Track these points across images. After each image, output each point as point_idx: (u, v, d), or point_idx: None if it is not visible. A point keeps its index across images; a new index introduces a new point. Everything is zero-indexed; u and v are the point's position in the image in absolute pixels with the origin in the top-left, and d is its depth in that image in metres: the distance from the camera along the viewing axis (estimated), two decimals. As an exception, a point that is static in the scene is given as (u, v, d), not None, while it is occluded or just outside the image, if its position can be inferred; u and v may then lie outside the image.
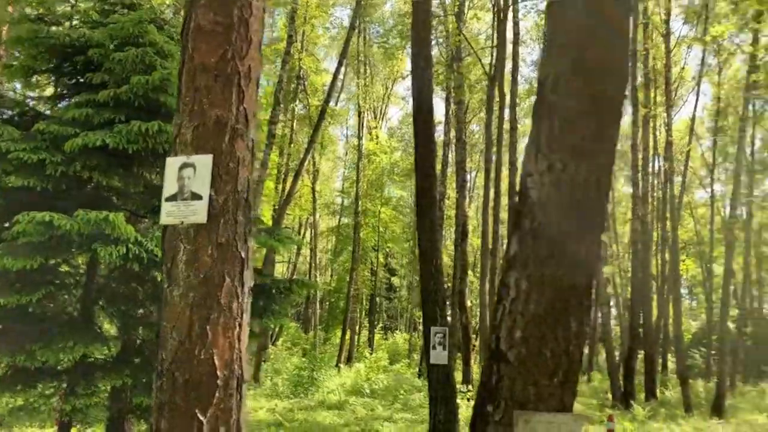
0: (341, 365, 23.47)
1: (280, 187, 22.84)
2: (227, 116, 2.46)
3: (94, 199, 6.12)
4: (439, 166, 24.87)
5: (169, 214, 2.42)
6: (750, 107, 22.94)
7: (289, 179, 19.25)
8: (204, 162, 2.40)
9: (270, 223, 19.22)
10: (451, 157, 25.51)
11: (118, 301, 6.48)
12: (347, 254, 30.25)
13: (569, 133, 2.38)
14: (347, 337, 27.61)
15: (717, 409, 16.57)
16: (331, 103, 29.79)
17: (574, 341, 2.27)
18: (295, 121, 24.02)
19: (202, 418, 2.20)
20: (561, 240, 2.30)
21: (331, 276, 36.64)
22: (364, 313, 36.46)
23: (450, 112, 23.15)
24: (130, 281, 6.55)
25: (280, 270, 39.04)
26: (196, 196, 2.39)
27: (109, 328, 7.36)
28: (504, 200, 21.12)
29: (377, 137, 30.77)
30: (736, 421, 15.48)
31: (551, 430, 2.13)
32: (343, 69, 29.97)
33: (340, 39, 26.22)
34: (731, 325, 25.63)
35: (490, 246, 18.94)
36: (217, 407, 2.24)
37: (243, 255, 2.42)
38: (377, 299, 35.91)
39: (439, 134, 30.55)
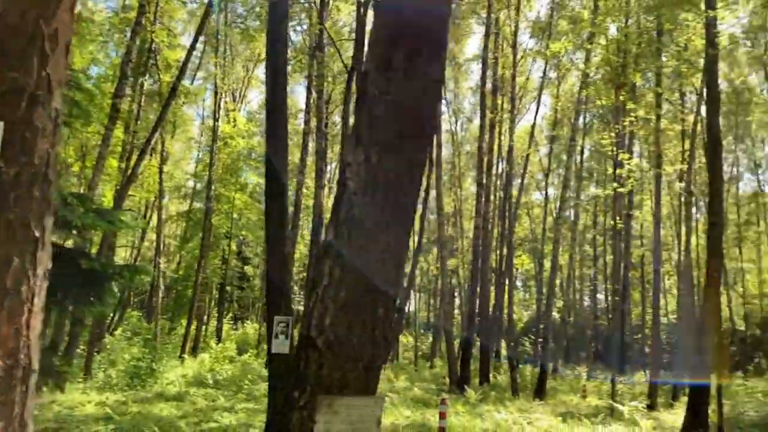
0: (185, 356, 22.56)
1: (123, 165, 21.29)
2: (25, 81, 2.21)
3: None
4: (298, 155, 24.73)
5: (-53, 185, 2.14)
6: (581, 120, 25.43)
7: (135, 158, 18.00)
8: (-8, 129, 2.15)
9: (111, 204, 17.88)
10: (312, 146, 25.47)
11: None
12: (197, 241, 29.02)
13: (386, 127, 2.46)
14: (193, 327, 26.57)
15: (539, 392, 18.26)
16: (187, 82, 28.40)
17: (380, 327, 2.37)
18: (144, 96, 22.50)
19: (-25, 413, 1.98)
20: (373, 230, 2.39)
21: (179, 263, 34.94)
22: (213, 302, 35.31)
23: (311, 101, 23.04)
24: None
25: (123, 255, 36.50)
26: (-19, 167, 2.13)
27: None
28: (359, 192, 21.49)
29: (235, 120, 29.83)
30: (554, 401, 17.19)
31: (352, 413, 2.20)
32: (201, 47, 28.69)
33: (200, 15, 24.95)
34: (556, 315, 28.39)
35: (343, 237, 19.19)
36: (-5, 400, 2.02)
37: (37, 234, 2.21)
38: (228, 288, 34.90)
39: (300, 123, 30.37)
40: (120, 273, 6.60)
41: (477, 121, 31.03)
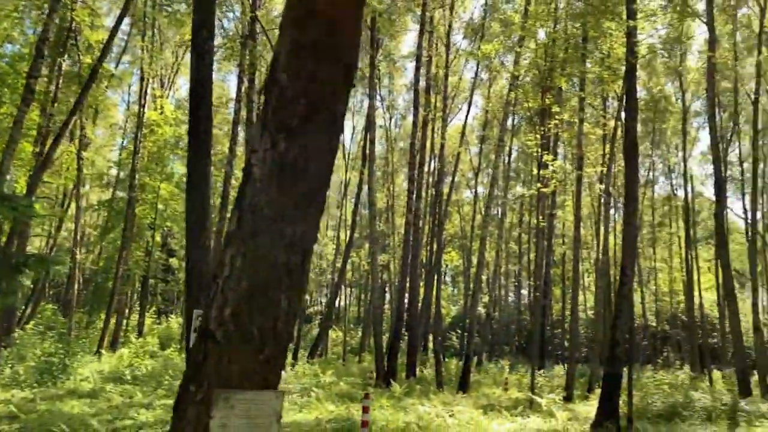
0: (103, 351, 21.64)
1: (38, 150, 20.11)
2: None
3: None
4: (228, 145, 24.17)
5: None
6: (509, 121, 26.13)
7: (50, 143, 17.02)
8: None
9: (24, 191, 16.88)
10: (242, 136, 24.97)
11: None
12: (119, 231, 27.84)
13: (295, 113, 2.39)
14: (113, 320, 25.52)
15: (463, 385, 18.63)
16: (112, 65, 27.13)
17: (282, 319, 2.31)
18: (62, 78, 21.28)
19: None
20: (279, 219, 2.32)
21: (100, 254, 33.45)
22: (136, 295, 34.05)
23: (242, 91, 22.54)
24: None
25: (38, 245, 34.63)
26: None
27: None
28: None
29: (162, 107, 28.76)
30: (477, 394, 17.59)
31: (252, 408, 2.14)
32: (127, 29, 27.50)
33: (126, -5, 23.86)
34: (482, 310, 29.11)
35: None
36: None
37: None
38: (152, 281, 33.72)
39: (230, 112, 29.58)
40: (25, 263, 6.22)
41: (411, 118, 31.38)
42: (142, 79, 27.04)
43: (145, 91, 26.97)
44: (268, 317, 2.27)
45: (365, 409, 9.80)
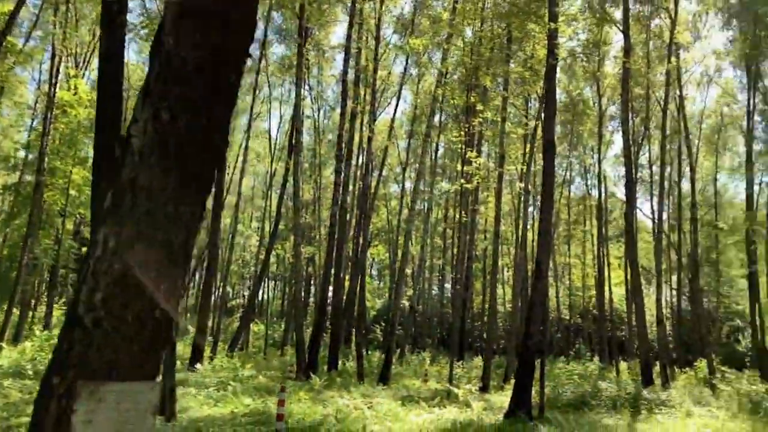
0: (4, 344, 20.30)
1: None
2: None
3: None
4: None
5: None
6: (436, 117, 26.43)
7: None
8: None
9: None
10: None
11: None
12: (26, 218, 26.13)
13: (182, 83, 2.22)
14: (16, 312, 23.96)
15: (384, 377, 18.71)
16: (21, 41, 25.31)
17: (162, 303, 2.14)
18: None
19: None
20: (158, 197, 2.14)
21: (4, 242, 31.30)
22: (44, 285, 32.15)
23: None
24: None
25: (-69, 231, 31.98)
26: None
27: None
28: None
29: (76, 87, 27.15)
30: (397, 386, 17.74)
31: (124, 401, 1.97)
32: (38, 3, 25.74)
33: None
34: (406, 303, 29.40)
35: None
36: None
37: None
38: (62, 271, 31.86)
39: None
40: None
41: (339, 110, 31.14)
42: (53, 56, 25.43)
43: (57, 70, 25.40)
44: (145, 302, 2.10)
45: (281, 402, 9.65)
